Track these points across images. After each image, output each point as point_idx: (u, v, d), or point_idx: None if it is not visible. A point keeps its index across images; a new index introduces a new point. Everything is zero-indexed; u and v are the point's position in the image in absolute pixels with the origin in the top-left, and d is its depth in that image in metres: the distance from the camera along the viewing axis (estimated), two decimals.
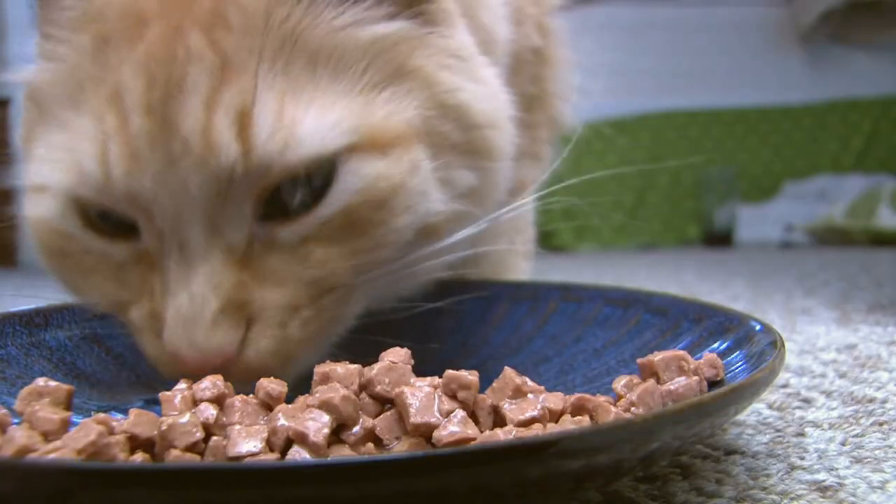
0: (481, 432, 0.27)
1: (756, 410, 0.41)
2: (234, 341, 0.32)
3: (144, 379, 0.41)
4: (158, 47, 0.33)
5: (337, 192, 0.33)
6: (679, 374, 0.31)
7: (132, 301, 0.35)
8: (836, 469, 0.32)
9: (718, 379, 0.32)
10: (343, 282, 0.35)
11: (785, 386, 0.46)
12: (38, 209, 0.35)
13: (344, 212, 0.33)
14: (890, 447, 0.34)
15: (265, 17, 0.33)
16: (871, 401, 0.42)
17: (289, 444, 0.26)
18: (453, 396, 0.29)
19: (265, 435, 0.26)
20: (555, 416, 0.30)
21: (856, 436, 0.36)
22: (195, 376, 0.31)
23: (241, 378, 0.32)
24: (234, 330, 0.32)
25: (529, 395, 0.30)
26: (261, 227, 0.33)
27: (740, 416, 0.40)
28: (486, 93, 0.40)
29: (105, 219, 0.34)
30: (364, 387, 0.30)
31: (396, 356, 0.31)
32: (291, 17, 0.34)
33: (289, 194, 0.33)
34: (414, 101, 0.36)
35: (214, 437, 0.27)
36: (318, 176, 0.33)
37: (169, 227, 0.32)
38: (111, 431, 0.26)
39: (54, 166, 0.34)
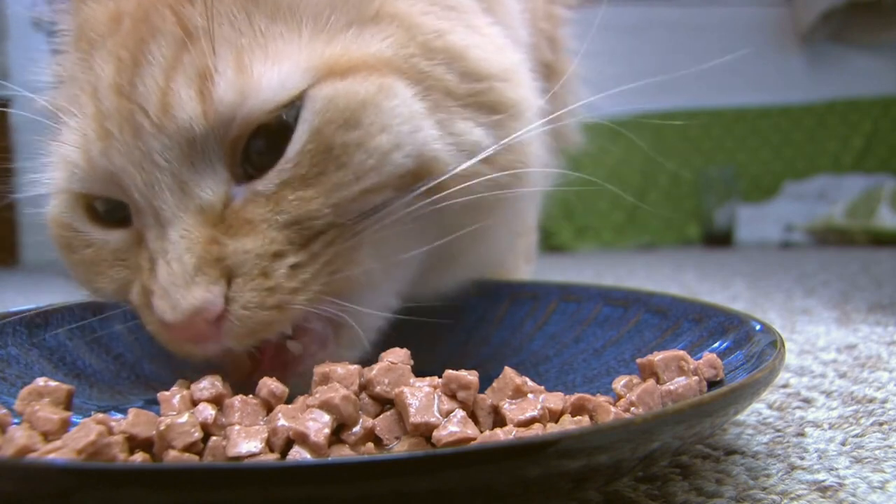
0: (481, 432, 0.27)
1: (756, 410, 0.41)
2: (215, 298, 0.31)
3: (144, 379, 0.41)
4: (128, 34, 0.34)
5: (301, 123, 0.33)
6: (679, 374, 0.31)
7: (130, 283, 0.35)
8: (836, 469, 0.32)
9: (718, 379, 0.32)
10: (326, 221, 0.33)
11: (785, 386, 0.46)
12: (49, 207, 0.38)
13: (312, 140, 0.32)
14: (890, 447, 0.34)
15: None
16: (871, 401, 0.42)
17: (289, 444, 0.26)
18: (453, 396, 0.29)
19: (265, 435, 0.26)
20: (555, 416, 0.30)
21: (856, 436, 0.36)
22: (197, 345, 0.32)
23: (243, 338, 0.32)
24: (213, 286, 0.31)
25: (529, 395, 0.30)
26: (241, 187, 0.33)
27: (740, 416, 0.40)
28: (487, 44, 0.39)
29: (107, 209, 0.36)
30: (364, 387, 0.30)
31: (396, 356, 0.31)
32: None
33: (263, 150, 0.33)
34: (386, 39, 0.36)
35: (213, 438, 0.27)
36: (287, 126, 0.33)
37: (143, 199, 0.33)
38: (110, 431, 0.26)
39: (53, 168, 0.36)
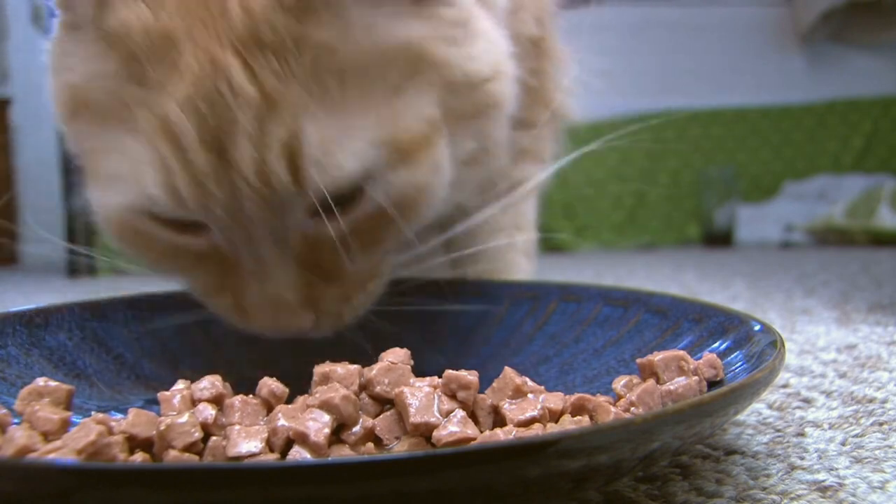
0: (481, 432, 0.27)
1: (756, 410, 0.41)
2: (308, 326, 0.38)
3: (144, 379, 0.41)
4: (200, 82, 0.33)
5: (371, 194, 0.36)
6: (679, 374, 0.31)
7: (213, 291, 0.39)
8: (836, 469, 0.32)
9: (718, 379, 0.32)
10: (384, 270, 0.41)
11: (785, 386, 0.46)
12: (102, 210, 0.39)
13: (379, 213, 0.37)
14: (890, 447, 0.34)
15: (296, 38, 0.34)
16: (871, 401, 0.42)
17: (289, 444, 0.26)
18: (453, 396, 0.29)
19: (265, 435, 0.26)
20: (555, 416, 0.30)
21: (856, 436, 0.36)
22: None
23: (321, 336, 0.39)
24: (309, 318, 0.38)
25: (529, 395, 0.30)
26: (310, 220, 0.36)
27: (740, 416, 0.40)
28: (486, 46, 0.41)
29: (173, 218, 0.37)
30: (364, 387, 0.30)
31: (396, 356, 0.31)
32: (319, 35, 0.34)
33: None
34: (430, 91, 0.38)
35: (213, 438, 0.27)
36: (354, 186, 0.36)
37: (240, 241, 0.36)
38: (110, 431, 0.26)
39: (118, 187, 0.36)
